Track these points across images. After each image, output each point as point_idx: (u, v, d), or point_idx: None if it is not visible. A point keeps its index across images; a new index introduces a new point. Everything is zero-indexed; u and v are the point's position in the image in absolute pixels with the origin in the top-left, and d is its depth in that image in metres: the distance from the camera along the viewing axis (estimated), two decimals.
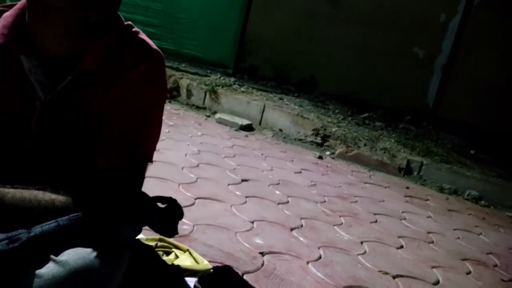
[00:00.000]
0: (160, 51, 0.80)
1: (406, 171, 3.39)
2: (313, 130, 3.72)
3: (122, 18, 0.81)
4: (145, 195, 0.90)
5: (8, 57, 0.74)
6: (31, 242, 0.60)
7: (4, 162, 0.84)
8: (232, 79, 4.63)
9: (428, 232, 2.25)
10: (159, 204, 0.92)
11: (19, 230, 0.60)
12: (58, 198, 0.70)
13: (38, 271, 0.60)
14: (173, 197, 0.94)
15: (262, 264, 1.47)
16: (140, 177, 0.81)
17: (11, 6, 0.78)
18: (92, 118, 0.76)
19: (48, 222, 0.62)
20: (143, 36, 0.80)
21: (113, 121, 0.76)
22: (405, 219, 2.40)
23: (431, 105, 4.91)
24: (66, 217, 0.65)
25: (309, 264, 1.56)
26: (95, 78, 0.75)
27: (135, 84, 0.75)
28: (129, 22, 0.81)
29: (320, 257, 1.64)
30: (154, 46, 0.79)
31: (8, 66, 0.75)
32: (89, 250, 0.64)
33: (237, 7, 4.61)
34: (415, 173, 3.41)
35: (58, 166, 0.79)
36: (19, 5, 0.76)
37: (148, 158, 0.82)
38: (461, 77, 4.70)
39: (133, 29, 0.80)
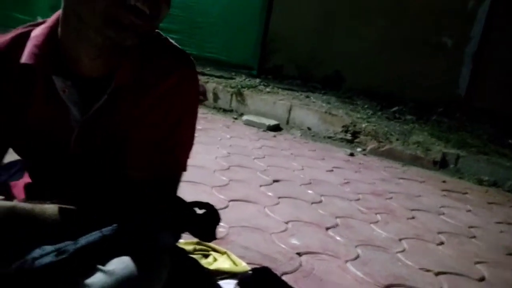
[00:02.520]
0: (191, 58, 0.78)
1: (441, 164, 3.29)
2: (343, 127, 3.66)
3: None
4: (182, 201, 0.91)
5: (39, 77, 0.73)
6: (78, 253, 0.60)
7: (43, 180, 0.86)
8: (257, 80, 4.63)
9: (469, 227, 2.17)
10: (197, 210, 0.93)
11: (66, 242, 0.61)
12: (95, 210, 0.71)
13: (87, 281, 0.60)
14: (209, 202, 0.94)
15: (300, 265, 1.45)
16: (174, 185, 0.81)
17: (39, 24, 0.77)
18: (127, 130, 0.76)
19: (92, 233, 0.63)
20: (172, 43, 0.79)
21: (146, 131, 0.75)
22: (443, 214, 2.32)
23: (463, 95, 4.76)
24: (109, 227, 0.66)
25: (348, 263, 1.53)
26: (128, 91, 0.73)
27: (167, 93, 0.74)
28: (158, 31, 0.78)
29: (358, 256, 1.61)
30: (185, 53, 0.78)
31: (39, 86, 0.73)
32: (133, 258, 0.65)
33: (258, 7, 4.61)
34: (451, 166, 3.29)
35: (97, 180, 0.80)
36: (49, 22, 0.74)
37: (182, 166, 0.81)
38: (493, 65, 4.52)
39: (162, 37, 0.79)
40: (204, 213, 0.94)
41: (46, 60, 0.70)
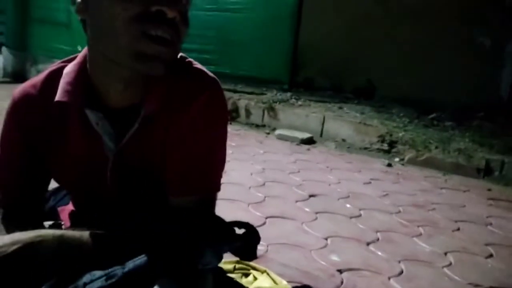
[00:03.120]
0: (216, 78, 0.79)
1: (485, 172, 3.14)
2: (378, 137, 3.59)
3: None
4: (222, 221, 0.92)
5: (73, 112, 0.76)
6: (126, 277, 0.62)
7: (80, 205, 0.90)
8: (288, 94, 4.64)
9: None
10: (236, 229, 0.94)
11: (114, 267, 0.63)
12: (141, 235, 0.73)
13: None
14: (248, 221, 0.94)
15: (342, 282, 1.42)
16: (212, 205, 0.83)
17: (70, 60, 0.80)
18: (160, 157, 0.78)
19: (139, 257, 0.65)
20: (197, 65, 0.80)
21: (179, 156, 0.76)
22: (491, 224, 2.21)
23: (505, 98, 4.55)
24: (155, 250, 0.68)
25: (391, 280, 1.48)
26: (158, 118, 0.75)
27: (195, 117, 0.75)
28: (182, 54, 0.80)
29: (402, 272, 1.55)
30: (209, 74, 0.78)
31: (74, 121, 0.77)
32: (178, 281, 0.66)
33: (287, 22, 4.65)
34: (496, 173, 3.14)
35: (137, 207, 0.82)
36: (79, 58, 0.78)
37: (216, 186, 0.83)
38: None
39: (187, 60, 0.80)
40: (244, 232, 0.95)
41: (78, 96, 0.74)
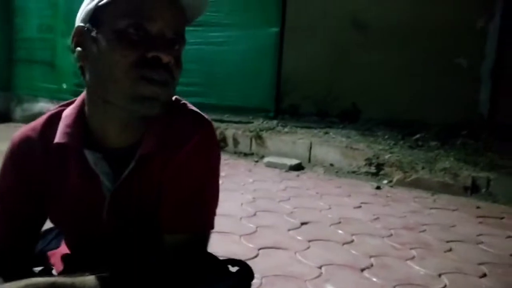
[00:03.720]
0: (209, 119, 0.82)
1: (472, 189, 3.19)
2: (365, 160, 3.63)
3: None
4: (216, 259, 0.92)
5: (72, 153, 0.78)
6: None
7: (75, 246, 0.89)
8: (275, 121, 4.69)
9: (511, 255, 2.07)
10: (230, 267, 0.93)
11: None
12: (135, 277, 0.72)
13: None
14: (235, 255, 0.95)
15: None
16: (205, 244, 0.83)
17: (69, 104, 0.83)
18: (155, 196, 0.79)
19: None
20: (191, 107, 0.83)
21: (172, 195, 0.78)
22: (482, 242, 2.23)
23: (485, 115, 4.67)
24: None
25: None
26: (153, 157, 0.78)
27: (189, 157, 0.78)
28: (177, 96, 0.83)
29: None
30: (203, 115, 0.82)
31: (73, 162, 0.78)
32: None
33: (270, 52, 4.76)
34: (483, 190, 3.19)
35: (130, 246, 0.82)
36: (77, 102, 0.81)
37: (210, 225, 0.83)
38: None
39: (181, 102, 0.84)
40: (238, 270, 0.94)
41: (77, 138, 0.76)
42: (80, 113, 0.79)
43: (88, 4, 0.72)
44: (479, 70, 4.83)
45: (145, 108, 0.70)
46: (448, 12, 4.79)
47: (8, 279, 0.71)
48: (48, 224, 0.93)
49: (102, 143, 0.78)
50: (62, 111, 0.82)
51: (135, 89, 0.69)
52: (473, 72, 4.84)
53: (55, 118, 0.81)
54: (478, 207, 2.90)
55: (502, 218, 2.71)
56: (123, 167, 0.77)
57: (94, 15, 0.71)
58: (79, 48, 0.73)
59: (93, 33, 0.70)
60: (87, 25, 0.71)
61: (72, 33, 0.74)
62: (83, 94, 0.80)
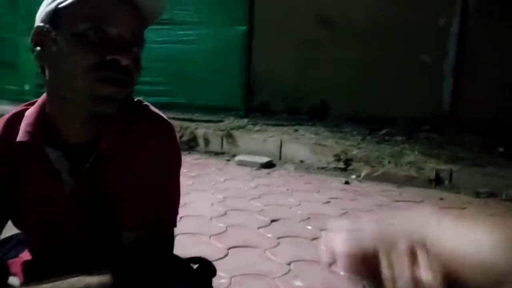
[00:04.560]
0: (169, 121, 0.84)
1: (436, 181, 3.30)
2: (334, 156, 3.69)
3: (132, 96, 0.85)
4: (177, 257, 0.92)
5: (34, 152, 0.79)
6: None
7: (37, 249, 0.88)
8: (245, 120, 4.70)
9: None
10: (192, 265, 0.93)
11: None
12: (93, 279, 0.71)
13: None
14: (204, 255, 0.95)
15: None
16: (168, 242, 0.83)
17: (32, 104, 0.84)
18: (116, 194, 0.80)
19: None
20: (152, 109, 0.85)
21: (133, 194, 0.79)
22: None
23: (448, 110, 4.84)
24: None
25: None
26: (113, 155, 0.79)
27: (149, 157, 0.79)
28: (139, 98, 0.86)
29: None
30: (164, 117, 0.84)
31: (35, 160, 0.80)
32: None
33: (238, 50, 4.77)
34: (446, 182, 3.31)
35: (93, 243, 0.82)
36: (39, 101, 0.82)
37: (172, 223, 0.84)
38: (472, 76, 4.65)
39: (143, 104, 0.85)
40: (198, 267, 0.94)
41: (38, 136, 0.78)
42: (41, 111, 0.80)
43: (48, 4, 0.73)
44: (442, 67, 5.01)
45: (103, 107, 0.73)
46: (412, 11, 4.94)
47: None
48: (4, 234, 0.91)
49: (63, 140, 0.79)
50: (25, 110, 0.83)
51: (93, 90, 0.71)
52: (436, 69, 5.02)
53: (18, 117, 0.82)
54: (441, 199, 3.01)
55: (464, 208, 2.83)
56: (83, 163, 0.79)
57: (54, 16, 0.72)
58: (38, 48, 0.74)
59: (53, 34, 0.72)
60: (47, 25, 0.73)
61: (32, 32, 0.75)
62: (44, 94, 0.81)
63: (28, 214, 0.83)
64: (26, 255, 0.93)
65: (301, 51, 5.39)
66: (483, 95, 4.60)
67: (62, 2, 0.71)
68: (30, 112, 0.81)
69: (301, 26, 5.36)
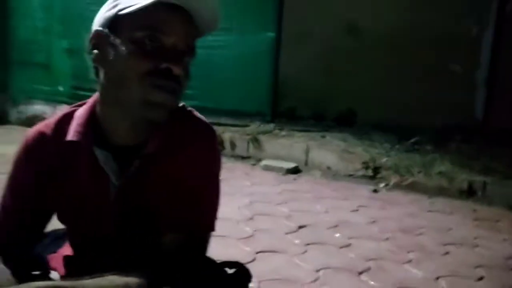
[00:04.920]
0: (211, 126, 0.86)
1: (469, 193, 3.20)
2: (362, 163, 3.64)
3: None
4: (213, 262, 0.92)
5: (82, 151, 0.81)
6: None
7: (79, 245, 0.90)
8: (272, 125, 4.69)
9: (507, 258, 2.08)
10: (227, 269, 0.93)
11: None
12: (132, 279, 0.72)
13: None
14: (238, 260, 0.95)
15: None
16: (204, 246, 0.84)
17: (81, 105, 0.87)
18: (158, 196, 0.81)
19: None
20: (196, 114, 0.87)
21: (173, 196, 0.80)
22: (478, 246, 2.24)
23: (480, 120, 4.71)
24: None
25: None
26: (157, 158, 0.81)
27: (190, 160, 0.81)
28: (183, 103, 0.88)
29: None
30: (206, 122, 0.86)
31: (83, 159, 0.82)
32: None
33: (266, 56, 4.77)
34: (479, 193, 3.20)
35: (133, 244, 0.83)
36: (89, 103, 0.85)
37: (210, 227, 0.84)
38: (506, 87, 4.51)
39: (188, 109, 0.88)
40: (235, 272, 0.94)
41: (88, 136, 0.80)
42: (92, 112, 0.83)
43: (108, 10, 0.77)
44: (474, 77, 4.88)
45: (154, 114, 0.75)
46: (444, 19, 4.84)
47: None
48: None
49: (111, 142, 0.81)
50: (75, 110, 0.86)
51: (146, 95, 0.73)
52: (468, 79, 4.89)
53: (69, 117, 0.85)
54: (474, 210, 2.92)
55: (497, 221, 2.73)
56: (129, 166, 0.80)
57: (114, 22, 0.75)
58: (96, 51, 0.77)
59: (111, 39, 0.75)
60: (106, 30, 0.76)
61: (90, 35, 0.78)
62: (95, 95, 0.84)
63: (72, 210, 0.85)
64: (65, 250, 0.95)
65: (329, 58, 5.36)
66: None
67: (123, 10, 0.74)
68: (80, 113, 0.84)
69: (329, 33, 5.33)
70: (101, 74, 0.78)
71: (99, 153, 0.80)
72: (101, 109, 0.81)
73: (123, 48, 0.73)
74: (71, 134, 0.80)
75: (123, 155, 0.81)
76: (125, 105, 0.76)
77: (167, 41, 0.74)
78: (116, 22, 0.75)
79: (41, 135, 0.84)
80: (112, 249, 0.84)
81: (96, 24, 0.78)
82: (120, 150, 0.81)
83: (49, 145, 0.83)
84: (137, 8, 0.72)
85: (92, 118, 0.82)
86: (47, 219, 0.90)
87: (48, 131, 0.84)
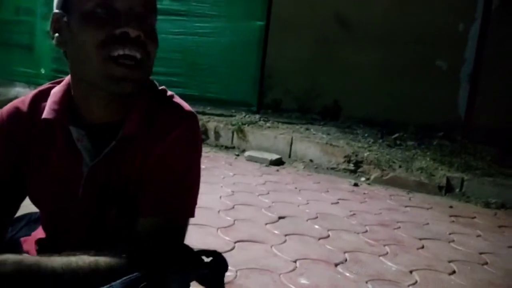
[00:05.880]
0: (194, 112, 0.84)
1: (447, 189, 3.27)
2: (345, 157, 3.67)
3: (156, 83, 0.86)
4: (189, 249, 0.92)
5: (58, 130, 0.80)
6: None
7: (52, 227, 0.89)
8: (257, 116, 4.69)
9: (480, 253, 2.14)
10: (204, 258, 0.93)
11: None
12: (104, 259, 0.72)
13: None
14: (216, 249, 0.95)
15: None
16: (182, 232, 0.83)
17: (59, 82, 0.86)
18: (134, 180, 0.81)
19: (104, 287, 0.64)
20: (177, 99, 0.85)
21: (152, 181, 0.79)
22: (453, 241, 2.29)
23: (462, 117, 4.79)
24: (118, 280, 0.67)
25: None
26: (135, 142, 0.80)
27: (171, 146, 0.80)
28: (163, 87, 0.86)
29: None
30: (187, 108, 0.84)
31: (58, 138, 0.81)
32: None
33: (254, 45, 4.74)
34: (457, 190, 3.27)
35: (105, 226, 0.83)
36: (65, 80, 0.84)
37: (188, 213, 0.84)
38: (489, 84, 4.58)
39: (168, 93, 0.86)
40: (212, 260, 0.94)
41: (63, 114, 0.79)
42: (67, 90, 0.81)
43: None
44: (458, 74, 4.95)
45: (118, 87, 0.73)
46: (430, 15, 4.89)
47: None
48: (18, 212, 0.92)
49: (86, 120, 0.80)
50: (51, 88, 0.84)
51: (105, 69, 0.71)
52: (452, 75, 4.96)
53: (44, 94, 0.83)
54: (451, 207, 2.98)
55: (473, 217, 2.80)
56: (104, 146, 0.79)
57: (65, 1, 0.74)
58: (56, 34, 0.76)
59: (65, 18, 0.73)
60: (60, 11, 0.74)
61: (50, 20, 0.76)
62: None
63: (45, 191, 0.83)
64: (38, 234, 0.94)
65: (316, 50, 5.37)
66: (499, 104, 4.54)
67: None
68: (56, 90, 0.82)
69: (318, 24, 5.34)
70: (67, 55, 0.77)
71: (73, 131, 0.79)
72: (74, 88, 0.80)
73: (75, 24, 0.71)
74: (47, 111, 0.79)
75: (100, 135, 0.80)
76: (90, 81, 0.74)
77: (120, 5, 0.70)
78: (68, 0, 0.73)
79: (17, 111, 0.83)
80: (85, 231, 0.83)
81: (54, 7, 0.76)
82: (96, 130, 0.80)
83: (23, 122, 0.82)
84: None
85: (68, 96, 0.81)
86: (19, 200, 0.87)
87: (23, 107, 0.83)
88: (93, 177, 0.80)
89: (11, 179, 0.83)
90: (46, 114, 0.79)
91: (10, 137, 0.82)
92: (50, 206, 0.86)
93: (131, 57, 0.71)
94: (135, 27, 0.70)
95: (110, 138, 0.79)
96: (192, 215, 0.84)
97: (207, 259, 0.92)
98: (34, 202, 0.88)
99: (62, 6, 0.74)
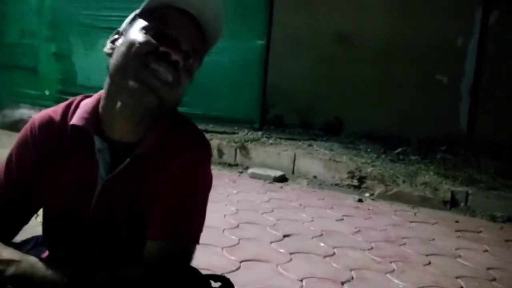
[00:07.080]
0: (208, 140, 0.87)
1: (452, 203, 3.25)
2: (348, 173, 3.67)
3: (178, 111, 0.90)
4: (198, 273, 0.92)
5: (83, 137, 0.84)
6: None
7: (63, 236, 0.90)
8: (259, 132, 4.71)
9: (488, 268, 2.12)
10: (212, 283, 0.93)
11: None
12: (109, 277, 0.75)
13: None
14: (216, 267, 0.96)
15: None
16: (189, 256, 0.84)
17: (88, 96, 0.91)
18: (144, 199, 0.83)
19: None
20: (193, 124, 0.89)
21: (160, 204, 0.81)
22: (460, 256, 2.27)
23: (465, 131, 4.79)
24: None
25: None
26: (149, 161, 0.82)
27: (180, 169, 0.82)
28: (184, 116, 0.90)
29: None
30: (202, 134, 0.88)
31: (81, 146, 0.84)
32: None
33: (256, 63, 4.80)
34: (462, 204, 3.26)
35: (114, 242, 0.84)
36: (97, 95, 0.88)
37: (195, 239, 0.85)
38: (490, 97, 4.60)
39: (186, 118, 0.89)
40: (220, 286, 0.94)
41: (91, 123, 0.83)
42: (97, 104, 0.86)
43: (130, 16, 0.84)
44: (459, 87, 4.97)
45: (144, 95, 0.75)
46: (430, 30, 4.94)
47: None
48: (24, 235, 0.93)
49: (107, 135, 0.84)
50: (82, 100, 0.89)
51: (137, 73, 0.75)
52: (453, 89, 4.98)
53: (76, 105, 0.88)
54: (456, 221, 2.96)
55: (479, 232, 2.78)
56: (120, 163, 0.82)
57: (130, 23, 0.83)
58: (110, 44, 0.83)
59: (124, 32, 0.82)
60: (123, 27, 0.83)
61: (112, 36, 0.84)
62: (102, 90, 0.87)
63: (58, 195, 0.85)
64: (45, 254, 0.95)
65: (317, 67, 5.42)
66: (500, 117, 4.55)
67: (140, 10, 0.81)
68: (87, 102, 0.87)
69: (319, 42, 5.40)
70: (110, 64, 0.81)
71: (97, 142, 0.82)
72: (103, 102, 0.84)
73: (130, 35, 0.79)
74: (76, 119, 0.83)
75: (118, 152, 0.83)
76: (120, 84, 0.77)
77: (171, 34, 0.77)
78: (132, 22, 0.82)
79: (49, 119, 0.86)
80: (91, 249, 0.84)
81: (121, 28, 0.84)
82: (116, 146, 0.83)
83: (55, 130, 0.86)
84: (149, 5, 0.79)
85: (96, 109, 0.85)
86: (34, 210, 0.90)
87: (55, 116, 0.87)
88: (107, 192, 0.82)
89: (32, 186, 0.86)
90: (75, 120, 0.83)
91: (40, 145, 0.85)
92: (60, 214, 0.87)
93: (163, 77, 0.76)
94: (178, 53, 0.76)
95: (127, 156, 0.82)
96: (198, 242, 0.85)
97: (215, 284, 0.93)
98: (46, 208, 0.90)
99: (126, 26, 0.83)
